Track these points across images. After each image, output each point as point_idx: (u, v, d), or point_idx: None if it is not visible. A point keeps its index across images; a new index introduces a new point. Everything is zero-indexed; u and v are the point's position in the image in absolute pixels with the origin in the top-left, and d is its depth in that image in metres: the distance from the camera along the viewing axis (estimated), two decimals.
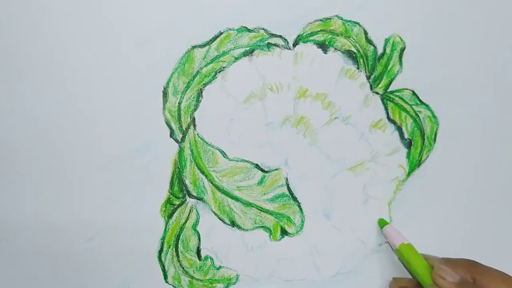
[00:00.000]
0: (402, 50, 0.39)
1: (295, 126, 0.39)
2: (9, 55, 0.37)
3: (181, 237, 0.38)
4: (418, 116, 0.40)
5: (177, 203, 0.38)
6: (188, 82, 0.38)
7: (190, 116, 0.38)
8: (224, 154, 0.38)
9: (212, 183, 0.38)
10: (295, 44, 0.39)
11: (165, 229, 0.38)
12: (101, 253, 0.38)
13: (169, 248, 0.38)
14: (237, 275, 0.39)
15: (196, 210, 0.38)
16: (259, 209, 0.39)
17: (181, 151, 0.38)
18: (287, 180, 0.39)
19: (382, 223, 0.39)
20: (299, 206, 0.39)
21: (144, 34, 0.37)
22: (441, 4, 0.39)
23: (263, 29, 0.38)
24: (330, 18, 0.39)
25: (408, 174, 0.40)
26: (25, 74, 0.37)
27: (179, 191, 0.38)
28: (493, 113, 0.40)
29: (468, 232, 0.40)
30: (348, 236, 0.39)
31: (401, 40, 0.39)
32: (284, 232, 0.39)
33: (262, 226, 0.39)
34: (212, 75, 0.38)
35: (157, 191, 0.38)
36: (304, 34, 0.39)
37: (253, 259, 0.39)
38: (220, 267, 0.39)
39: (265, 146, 0.39)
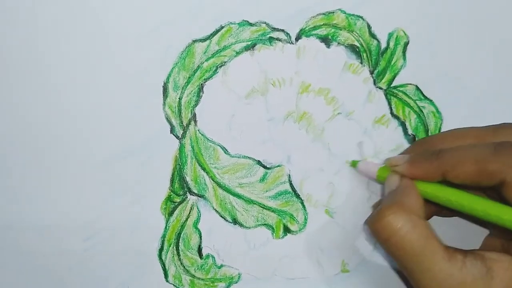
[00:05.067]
0: (406, 44, 0.39)
1: (297, 121, 0.38)
2: (6, 50, 0.36)
3: (182, 235, 0.38)
4: (422, 111, 0.39)
5: (178, 200, 0.38)
6: (189, 77, 0.37)
7: (191, 112, 0.37)
8: (225, 151, 0.38)
9: (213, 180, 0.38)
10: (298, 38, 0.38)
11: (165, 227, 0.38)
12: (100, 252, 0.37)
13: (170, 246, 0.38)
14: (239, 273, 0.38)
15: (197, 208, 0.38)
16: (261, 207, 0.38)
17: (181, 148, 0.37)
18: (289, 176, 0.38)
19: (354, 163, 0.38)
20: (302, 203, 0.38)
21: (144, 28, 0.37)
22: None
23: (265, 23, 0.38)
24: (333, 12, 0.38)
25: None
26: (21, 69, 0.36)
27: (179, 188, 0.37)
28: (498, 108, 0.40)
29: (470, 225, 0.40)
30: (352, 233, 0.39)
31: (405, 34, 0.39)
32: (287, 230, 0.38)
33: (265, 224, 0.38)
34: (213, 70, 0.37)
35: (157, 188, 0.37)
36: (307, 28, 0.38)
37: (255, 257, 0.38)
38: (221, 266, 0.38)
39: (267, 142, 0.38)
